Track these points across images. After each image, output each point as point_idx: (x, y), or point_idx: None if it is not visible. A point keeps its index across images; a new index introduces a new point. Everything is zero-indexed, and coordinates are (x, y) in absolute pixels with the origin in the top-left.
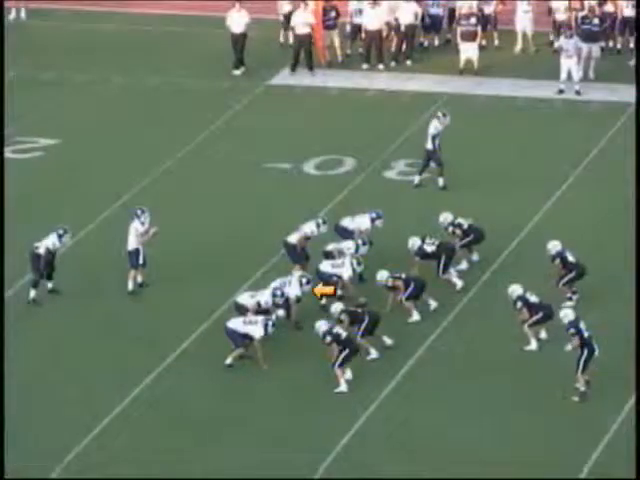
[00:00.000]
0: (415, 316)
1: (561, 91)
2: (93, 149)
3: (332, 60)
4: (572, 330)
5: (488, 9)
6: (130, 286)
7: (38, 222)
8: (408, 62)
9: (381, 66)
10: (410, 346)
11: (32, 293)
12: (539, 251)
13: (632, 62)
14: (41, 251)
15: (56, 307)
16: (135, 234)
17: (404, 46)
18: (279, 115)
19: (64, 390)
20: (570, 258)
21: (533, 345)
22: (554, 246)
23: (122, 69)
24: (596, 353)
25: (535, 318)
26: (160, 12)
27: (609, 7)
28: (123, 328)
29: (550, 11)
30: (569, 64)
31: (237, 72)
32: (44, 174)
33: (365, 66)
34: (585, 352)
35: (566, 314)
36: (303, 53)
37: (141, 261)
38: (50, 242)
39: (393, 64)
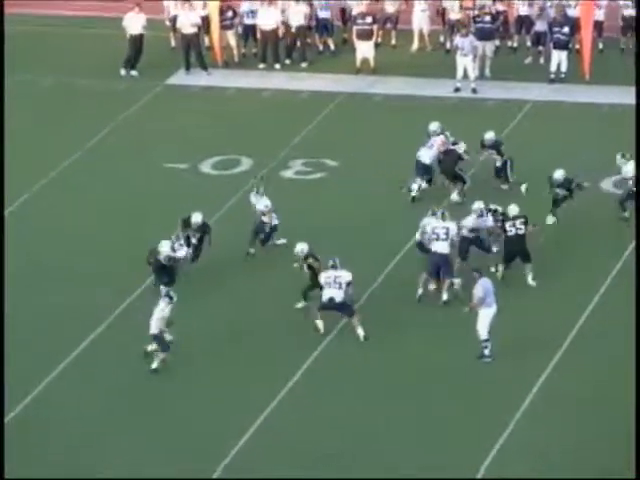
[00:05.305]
0: None
1: (457, 89)
2: None
3: (229, 60)
4: None
5: (391, 8)
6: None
7: None
8: (303, 64)
9: (277, 65)
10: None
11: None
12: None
13: (528, 60)
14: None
15: None
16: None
17: (298, 46)
18: (176, 115)
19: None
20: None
21: None
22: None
23: (17, 69)
24: None
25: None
26: (58, 13)
27: (499, 6)
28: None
29: (439, 12)
30: (465, 62)
31: (134, 72)
32: None
33: (261, 66)
34: None
35: None
36: (193, 53)
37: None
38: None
39: (288, 62)
